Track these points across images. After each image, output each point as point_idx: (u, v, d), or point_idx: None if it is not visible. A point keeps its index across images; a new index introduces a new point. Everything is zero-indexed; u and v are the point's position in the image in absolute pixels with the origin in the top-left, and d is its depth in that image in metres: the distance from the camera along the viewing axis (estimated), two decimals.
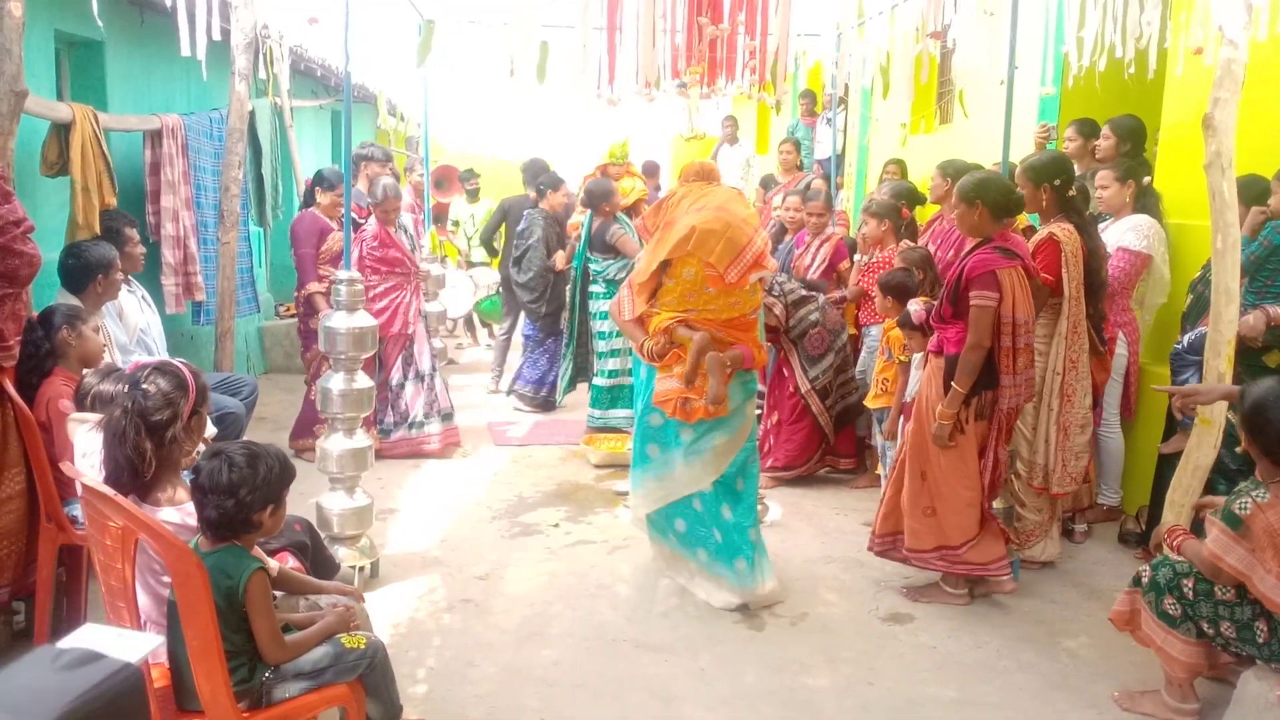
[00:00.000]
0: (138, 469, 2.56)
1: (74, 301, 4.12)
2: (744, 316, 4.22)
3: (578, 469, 6.27)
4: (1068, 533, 4.98)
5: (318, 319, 5.82)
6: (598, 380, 6.78)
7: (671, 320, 4.15)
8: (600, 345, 6.80)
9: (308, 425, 6.11)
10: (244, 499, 2.46)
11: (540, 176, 7.65)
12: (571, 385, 7.16)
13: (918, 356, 4.81)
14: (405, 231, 6.46)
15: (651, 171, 10.90)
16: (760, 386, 5.27)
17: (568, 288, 7.07)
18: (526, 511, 5.45)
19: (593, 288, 6.83)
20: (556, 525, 5.24)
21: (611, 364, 6.73)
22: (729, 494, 4.32)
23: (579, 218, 7.12)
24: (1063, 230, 4.33)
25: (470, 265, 10.07)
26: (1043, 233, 4.41)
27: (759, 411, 5.53)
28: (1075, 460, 4.47)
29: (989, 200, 4.02)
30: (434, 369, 6.47)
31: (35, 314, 3.76)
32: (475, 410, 7.61)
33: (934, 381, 4.15)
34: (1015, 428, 4.35)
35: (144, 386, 2.60)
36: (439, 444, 6.37)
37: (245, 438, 3.37)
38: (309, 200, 6.31)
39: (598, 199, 6.68)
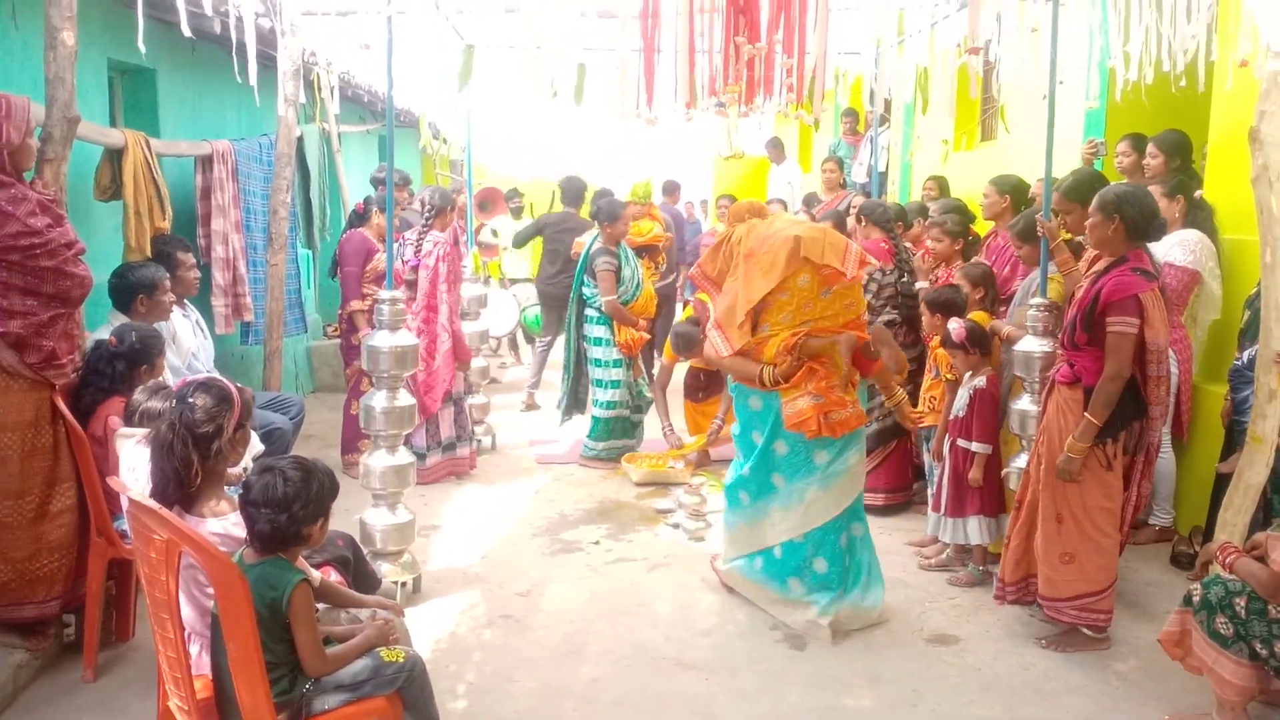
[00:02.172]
0: (184, 481, 2.62)
1: (129, 321, 4.21)
2: (859, 317, 4.23)
3: (618, 487, 6.28)
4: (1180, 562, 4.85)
5: (358, 336, 5.96)
6: (596, 411, 6.73)
7: (797, 335, 4.05)
8: (597, 373, 6.72)
9: (351, 442, 6.21)
10: (296, 513, 2.51)
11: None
12: (568, 416, 7.02)
13: (964, 375, 4.76)
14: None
15: (671, 190, 10.97)
16: None
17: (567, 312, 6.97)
18: (567, 529, 5.46)
19: (588, 312, 6.73)
20: (597, 543, 5.25)
21: (610, 395, 6.67)
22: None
23: (584, 237, 7.07)
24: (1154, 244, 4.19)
25: (512, 283, 10.16)
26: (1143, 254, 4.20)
27: None
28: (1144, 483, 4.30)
29: (1127, 216, 3.76)
30: (465, 392, 6.60)
31: (112, 339, 3.82)
32: (516, 428, 7.66)
33: (1068, 414, 3.86)
34: None
35: (190, 401, 2.66)
36: (467, 467, 6.47)
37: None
38: (355, 222, 6.43)
39: (603, 215, 6.59)
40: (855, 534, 4.28)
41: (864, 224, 5.93)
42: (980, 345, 4.69)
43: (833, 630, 4.09)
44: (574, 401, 6.97)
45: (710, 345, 4.32)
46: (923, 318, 5.18)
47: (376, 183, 6.63)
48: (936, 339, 4.99)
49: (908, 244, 6.09)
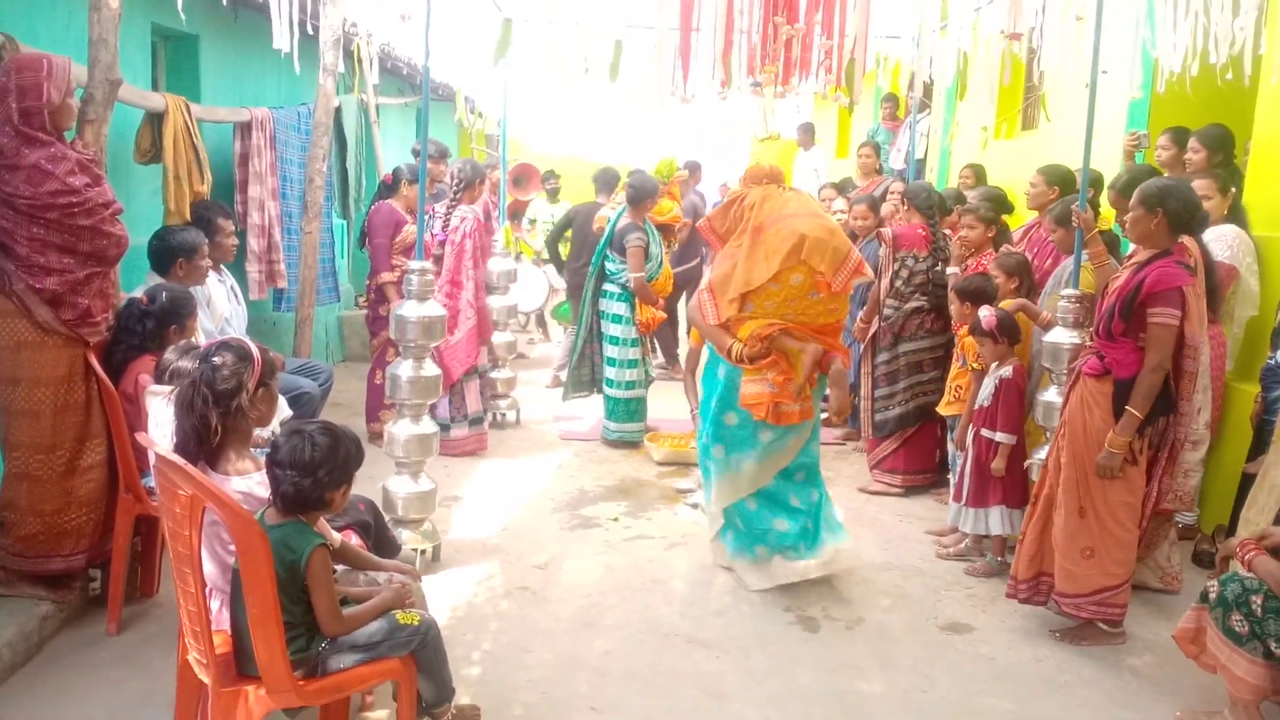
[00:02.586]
0: (203, 437, 2.67)
1: (163, 282, 4.27)
2: (838, 322, 4.35)
3: (639, 465, 6.30)
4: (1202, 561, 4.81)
5: (387, 307, 6.00)
6: (612, 392, 6.62)
7: (773, 328, 4.17)
8: (614, 352, 6.61)
9: (375, 410, 6.29)
10: (321, 478, 2.55)
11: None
12: (576, 391, 6.86)
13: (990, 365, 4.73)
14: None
15: (693, 171, 10.91)
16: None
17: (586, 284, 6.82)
18: (587, 505, 5.50)
19: (608, 286, 6.63)
20: (616, 519, 5.28)
21: (631, 374, 6.59)
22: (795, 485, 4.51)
23: (607, 211, 6.96)
24: (1189, 240, 4.17)
25: (545, 262, 10.17)
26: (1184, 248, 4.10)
27: None
28: (1183, 478, 4.23)
29: (1170, 209, 3.74)
30: (490, 364, 6.69)
31: (144, 297, 3.89)
32: (541, 403, 7.70)
33: (1093, 408, 3.84)
34: None
35: (212, 360, 2.72)
36: (486, 443, 6.50)
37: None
38: (383, 193, 6.48)
39: (643, 194, 6.46)
40: (813, 500, 4.54)
41: (906, 207, 5.90)
42: (1009, 335, 4.66)
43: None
44: (577, 381, 6.84)
45: (696, 305, 4.45)
46: (951, 306, 5.14)
47: (417, 155, 6.67)
48: (965, 328, 4.96)
49: (946, 231, 6.04)
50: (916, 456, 5.85)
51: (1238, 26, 4.66)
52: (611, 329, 6.61)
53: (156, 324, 3.85)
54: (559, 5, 5.71)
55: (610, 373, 6.64)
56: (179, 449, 2.61)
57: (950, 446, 5.27)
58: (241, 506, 2.44)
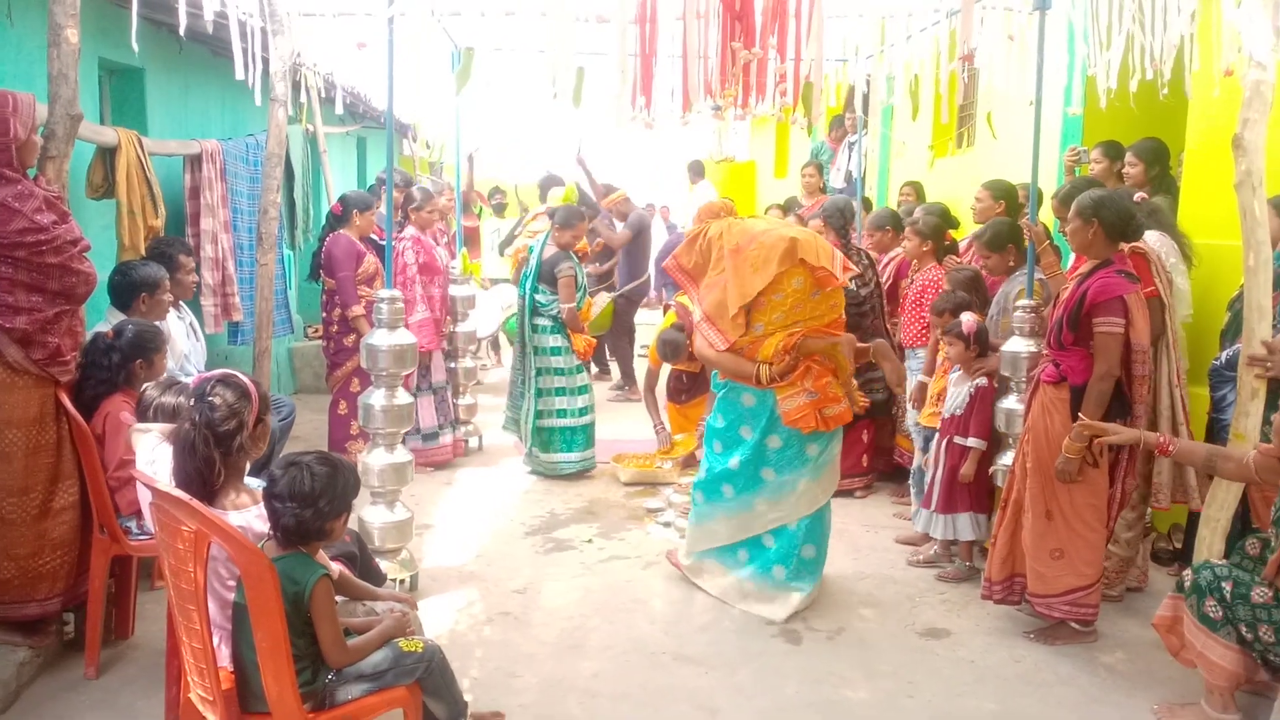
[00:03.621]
0: (207, 479, 2.64)
1: (122, 318, 4.20)
2: (840, 317, 4.38)
3: (606, 487, 6.33)
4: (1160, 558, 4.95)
5: (352, 338, 5.98)
6: (567, 421, 6.44)
7: (794, 336, 4.19)
8: (560, 382, 6.44)
9: (339, 444, 6.22)
10: (321, 508, 2.55)
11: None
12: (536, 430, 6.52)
13: (954, 375, 4.84)
14: (435, 248, 6.71)
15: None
16: None
17: (513, 319, 6.68)
18: (559, 527, 5.51)
19: (538, 321, 6.44)
20: (589, 541, 5.29)
21: (583, 401, 6.49)
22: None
23: (527, 240, 6.87)
24: (1140, 241, 4.28)
25: (492, 283, 10.19)
26: (1125, 247, 4.23)
27: None
28: (1192, 474, 4.36)
29: (1105, 219, 3.88)
30: (446, 382, 6.72)
31: (109, 331, 3.83)
32: (500, 429, 7.66)
33: (1053, 414, 3.97)
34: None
35: (210, 399, 2.68)
36: (450, 454, 6.69)
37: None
38: (333, 224, 6.41)
39: (564, 220, 6.43)
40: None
41: (824, 226, 6.05)
42: (981, 345, 4.79)
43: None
44: (526, 418, 6.54)
45: (701, 341, 4.43)
46: (932, 319, 5.20)
47: (381, 183, 6.68)
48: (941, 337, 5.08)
49: (868, 250, 6.25)
50: (859, 459, 6.00)
51: (1170, 43, 4.87)
52: (553, 361, 6.44)
53: (123, 358, 3.80)
54: (516, 34, 5.76)
55: (561, 403, 6.44)
56: (181, 489, 2.58)
57: (918, 456, 5.36)
58: (248, 540, 2.42)
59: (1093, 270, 3.95)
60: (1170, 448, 3.60)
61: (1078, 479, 3.89)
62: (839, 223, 6.08)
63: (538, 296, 6.41)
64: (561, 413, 6.45)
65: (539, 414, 6.43)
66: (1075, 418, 3.87)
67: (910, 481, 5.45)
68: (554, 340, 6.42)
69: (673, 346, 6.32)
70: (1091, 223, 3.91)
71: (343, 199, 6.48)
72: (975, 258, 5.60)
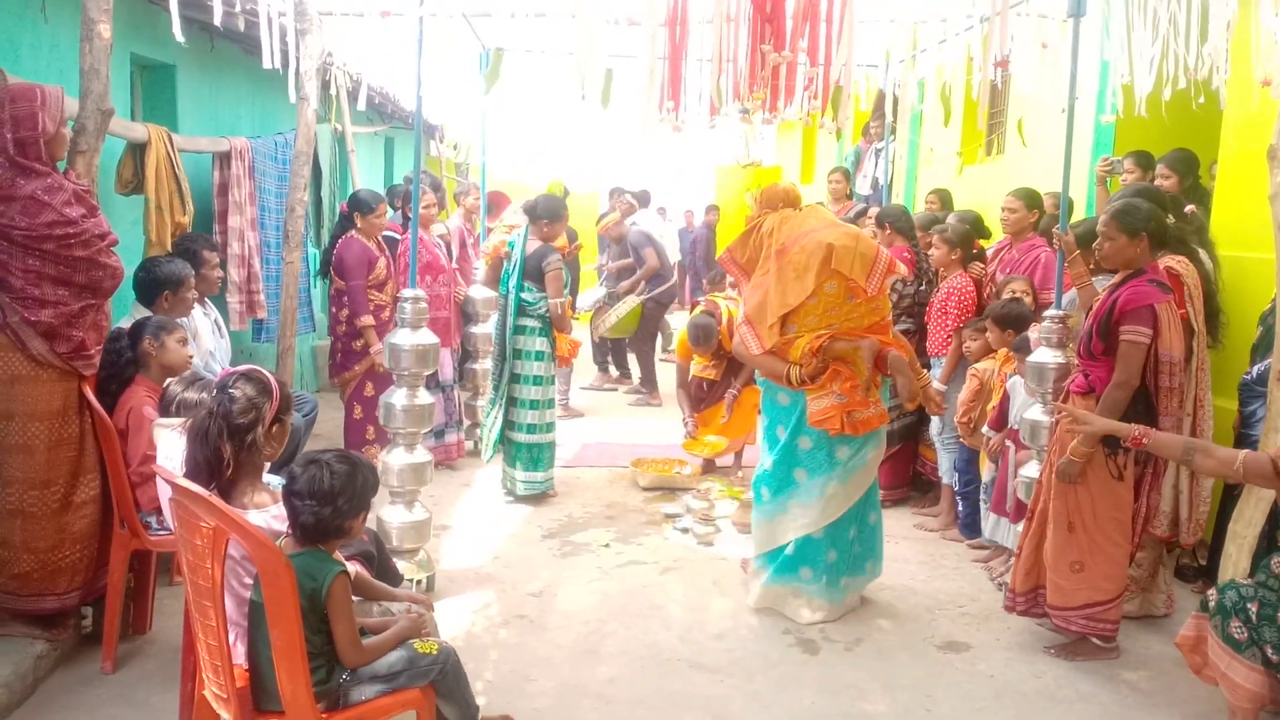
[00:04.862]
0: (215, 469, 2.64)
1: (147, 313, 4.22)
2: (883, 320, 4.32)
3: (625, 491, 6.30)
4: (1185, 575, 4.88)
5: (360, 343, 5.96)
6: (528, 438, 5.89)
7: (821, 338, 4.17)
8: (532, 393, 5.88)
9: (355, 445, 6.20)
10: (340, 506, 2.55)
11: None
12: (502, 441, 6.04)
13: (1016, 381, 4.76)
14: (440, 246, 6.68)
15: (644, 201, 10.88)
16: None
17: (495, 321, 6.14)
18: (577, 531, 5.49)
19: (524, 322, 5.88)
20: (607, 545, 5.27)
21: (551, 415, 5.97)
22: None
23: (503, 235, 6.34)
24: (1179, 263, 4.24)
25: None
26: (1161, 265, 4.20)
27: None
28: (1201, 506, 4.33)
29: (1153, 230, 3.89)
30: (455, 381, 6.68)
31: (125, 325, 3.87)
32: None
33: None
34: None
35: (230, 390, 2.69)
36: (454, 454, 6.66)
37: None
38: (344, 223, 6.33)
39: (550, 212, 5.90)
40: (870, 522, 4.51)
41: (887, 231, 5.98)
42: None
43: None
44: (492, 427, 6.05)
45: (740, 341, 4.45)
46: (988, 333, 5.13)
47: (408, 182, 6.67)
48: (1003, 350, 5.04)
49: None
50: (897, 473, 5.93)
51: (1206, 52, 4.81)
52: (533, 368, 5.89)
53: (131, 340, 3.85)
54: (543, 35, 5.76)
55: (528, 416, 5.87)
56: (189, 478, 2.58)
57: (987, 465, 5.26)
58: (266, 537, 2.41)
59: (1125, 279, 3.91)
60: (1145, 440, 3.56)
61: (1076, 482, 3.86)
62: (905, 226, 6.01)
63: (523, 295, 5.85)
64: (532, 428, 5.89)
65: (508, 424, 5.94)
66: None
67: (982, 495, 5.31)
68: (539, 344, 5.89)
69: (705, 331, 6.21)
70: (1140, 238, 3.88)
71: (351, 199, 6.45)
72: (1015, 254, 5.54)
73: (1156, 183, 5.52)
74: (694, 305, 9.98)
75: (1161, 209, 4.18)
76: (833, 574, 4.36)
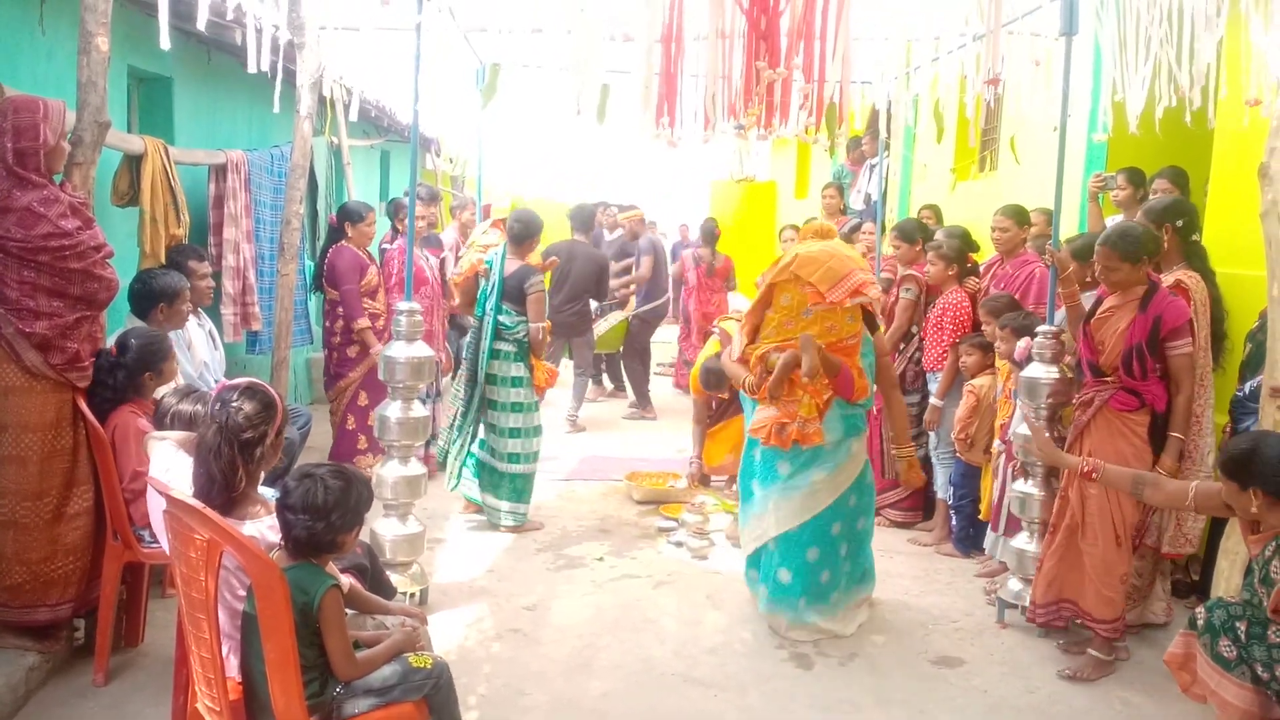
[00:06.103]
0: (229, 484, 2.65)
1: (141, 325, 4.21)
2: (842, 341, 4.32)
3: (619, 504, 6.30)
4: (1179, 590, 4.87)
5: (355, 350, 5.97)
6: (516, 468, 5.61)
7: (768, 348, 4.30)
8: (515, 421, 5.61)
9: (344, 459, 6.16)
10: (334, 521, 2.55)
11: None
12: (481, 472, 5.76)
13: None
14: (426, 259, 6.67)
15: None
16: None
17: (467, 343, 5.84)
18: (571, 545, 5.49)
19: (501, 346, 5.60)
20: (601, 559, 5.27)
21: (536, 444, 5.70)
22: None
23: (479, 255, 6.10)
24: (1190, 278, 4.28)
25: None
26: (1168, 280, 4.28)
27: None
28: (1192, 520, 4.33)
29: (1152, 251, 4.04)
30: (438, 393, 6.65)
31: (113, 348, 3.80)
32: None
33: (1130, 438, 4.02)
34: None
35: (234, 405, 2.69)
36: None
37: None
38: (334, 235, 6.31)
39: (532, 232, 5.71)
40: (859, 529, 4.57)
41: (919, 246, 6.05)
42: None
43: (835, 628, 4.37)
44: (458, 454, 5.73)
45: (727, 350, 4.70)
46: (999, 345, 5.12)
47: (406, 195, 6.66)
48: (1004, 365, 5.04)
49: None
50: (915, 495, 5.95)
51: (1197, 70, 4.84)
52: (513, 395, 5.61)
53: (129, 374, 3.75)
54: (540, 50, 5.78)
55: (512, 445, 5.59)
56: (199, 496, 2.58)
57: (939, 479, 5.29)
58: (260, 549, 2.41)
59: (1147, 296, 4.01)
60: (1094, 474, 3.70)
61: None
62: (915, 239, 6.08)
63: (502, 318, 5.56)
64: (515, 457, 5.61)
65: (489, 452, 5.70)
66: (1155, 441, 4.01)
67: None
68: (516, 369, 5.60)
69: (717, 376, 6.20)
70: (1141, 261, 4.01)
71: (340, 209, 6.47)
72: (1009, 269, 5.58)
73: (1155, 196, 5.55)
74: (687, 318, 10.01)
75: (1192, 222, 4.45)
76: (822, 589, 4.37)
